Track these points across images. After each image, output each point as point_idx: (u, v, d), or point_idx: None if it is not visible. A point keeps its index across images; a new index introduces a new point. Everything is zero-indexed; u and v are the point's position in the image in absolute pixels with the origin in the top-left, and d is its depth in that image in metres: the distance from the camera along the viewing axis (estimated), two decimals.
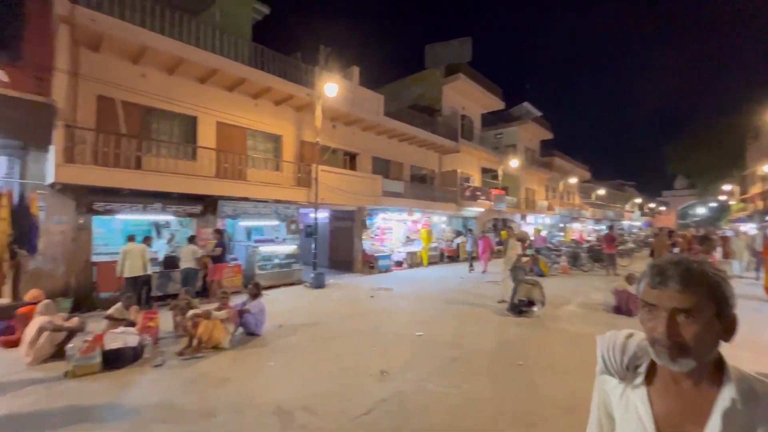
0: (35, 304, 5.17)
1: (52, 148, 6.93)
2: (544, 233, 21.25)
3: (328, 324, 6.55)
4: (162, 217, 9.37)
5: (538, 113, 27.55)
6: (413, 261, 14.89)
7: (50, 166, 6.92)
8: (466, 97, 19.87)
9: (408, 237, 15.79)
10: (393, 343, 5.49)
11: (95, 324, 5.68)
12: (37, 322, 4.59)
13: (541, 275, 11.48)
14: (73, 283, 7.42)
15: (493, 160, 21.22)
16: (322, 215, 10.87)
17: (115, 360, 4.37)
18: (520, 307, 7.09)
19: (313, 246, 10.75)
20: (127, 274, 7.04)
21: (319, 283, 10.11)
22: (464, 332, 6.08)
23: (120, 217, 8.23)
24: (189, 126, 9.56)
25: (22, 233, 6.67)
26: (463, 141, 18.21)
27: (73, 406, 3.51)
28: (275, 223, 11.19)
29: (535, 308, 7.09)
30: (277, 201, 10.58)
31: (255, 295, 6.07)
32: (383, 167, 14.97)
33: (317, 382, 4.13)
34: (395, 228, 15.37)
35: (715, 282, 0.77)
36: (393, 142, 15.43)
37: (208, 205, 9.27)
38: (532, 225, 23.59)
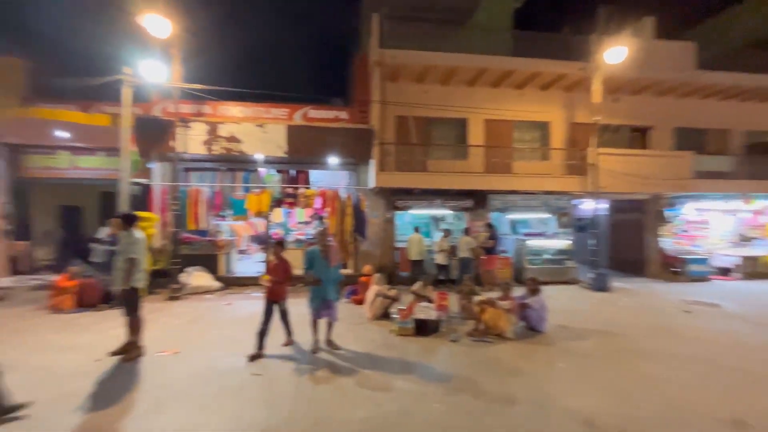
0: (369, 275, 7.06)
1: (372, 162, 9.31)
2: None
3: (627, 336, 5.40)
4: (440, 212, 10.75)
5: None
6: (753, 269, 10.25)
7: (371, 175, 9.32)
8: None
9: (742, 235, 11.04)
10: (747, 384, 3.82)
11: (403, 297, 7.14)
12: (373, 289, 6.24)
13: None
14: (385, 263, 9.69)
15: None
16: (600, 206, 9.26)
17: (422, 328, 5.28)
18: None
19: (591, 242, 9.35)
20: (412, 257, 8.92)
21: (601, 285, 8.69)
22: None
23: (411, 212, 10.10)
24: (460, 128, 10.46)
25: (357, 224, 9.35)
26: None
27: (401, 359, 4.44)
28: (544, 215, 10.51)
29: None
30: (547, 192, 9.90)
31: (534, 290, 5.82)
32: (693, 139, 11.05)
33: (632, 405, 3.38)
34: (716, 221, 11.09)
35: None
36: (710, 102, 11.14)
37: (478, 199, 9.84)
38: None
